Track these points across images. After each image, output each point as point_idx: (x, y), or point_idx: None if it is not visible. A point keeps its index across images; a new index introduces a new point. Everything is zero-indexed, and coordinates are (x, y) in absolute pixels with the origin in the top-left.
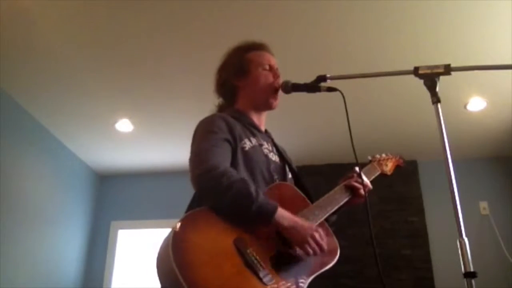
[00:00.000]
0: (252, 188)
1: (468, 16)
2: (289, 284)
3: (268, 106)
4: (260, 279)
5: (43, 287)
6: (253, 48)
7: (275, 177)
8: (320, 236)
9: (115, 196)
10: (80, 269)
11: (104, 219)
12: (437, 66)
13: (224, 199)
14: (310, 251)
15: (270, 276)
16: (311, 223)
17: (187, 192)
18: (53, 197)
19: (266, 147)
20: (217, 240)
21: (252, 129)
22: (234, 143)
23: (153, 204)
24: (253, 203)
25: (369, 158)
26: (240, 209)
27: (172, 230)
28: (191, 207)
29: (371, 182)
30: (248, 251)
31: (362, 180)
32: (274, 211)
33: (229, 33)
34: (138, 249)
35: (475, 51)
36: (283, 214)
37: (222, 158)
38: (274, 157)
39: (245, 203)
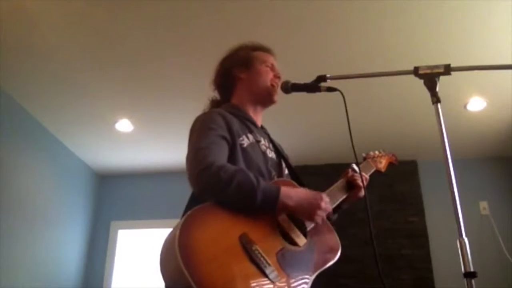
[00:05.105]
0: (252, 176)
1: (468, 16)
2: (294, 280)
3: (269, 99)
4: (266, 276)
5: (43, 287)
6: (260, 49)
7: (273, 173)
8: (325, 201)
9: (115, 196)
10: (80, 269)
11: (104, 219)
12: (437, 66)
13: (227, 192)
14: (320, 221)
15: (276, 273)
16: (315, 193)
17: (187, 192)
18: (53, 197)
19: (263, 143)
20: (223, 237)
21: (249, 125)
22: (232, 140)
23: (153, 204)
24: (256, 190)
25: (363, 155)
26: (244, 198)
27: (178, 226)
28: (189, 207)
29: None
30: (254, 248)
31: (361, 175)
32: (278, 192)
33: (229, 33)
34: (138, 249)
35: (475, 51)
36: (287, 194)
37: (219, 155)
38: (271, 154)
39: (248, 192)
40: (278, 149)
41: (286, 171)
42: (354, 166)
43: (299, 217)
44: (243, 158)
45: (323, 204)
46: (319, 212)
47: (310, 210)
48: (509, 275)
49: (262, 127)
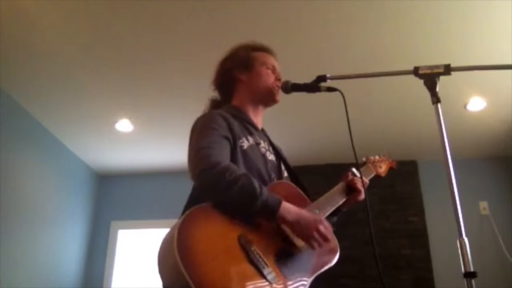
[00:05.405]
0: (256, 183)
1: (468, 16)
2: (292, 282)
3: (271, 99)
4: (264, 277)
5: (42, 287)
6: (260, 49)
7: (273, 176)
8: (325, 227)
9: (115, 196)
10: (80, 269)
11: (104, 219)
12: (437, 66)
13: (229, 194)
14: (315, 245)
15: (273, 274)
16: (315, 215)
17: (187, 192)
18: (53, 197)
19: (263, 146)
20: (222, 237)
21: (249, 127)
22: (233, 141)
23: (153, 204)
24: (257, 198)
25: (363, 159)
26: (244, 204)
27: (176, 226)
28: (188, 207)
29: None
30: (252, 248)
31: (362, 179)
32: (278, 206)
33: (229, 33)
34: (138, 249)
35: (475, 51)
36: (287, 208)
37: (222, 154)
38: (271, 156)
39: (249, 198)
40: (278, 152)
41: (286, 174)
42: (354, 170)
43: (296, 234)
44: (243, 160)
45: (321, 228)
46: (316, 235)
47: (306, 230)
48: (509, 275)
49: (262, 129)
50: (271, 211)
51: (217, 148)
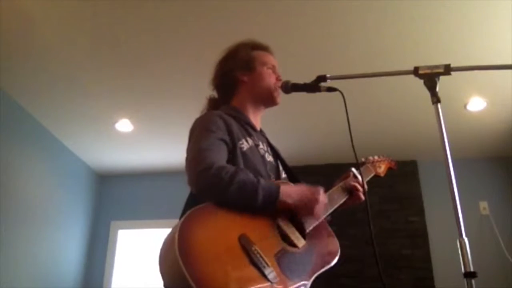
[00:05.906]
0: (251, 175)
1: (468, 16)
2: (292, 282)
3: (272, 101)
4: (265, 277)
5: (43, 287)
6: (259, 47)
7: (272, 177)
8: (322, 195)
9: (115, 196)
10: (80, 269)
11: (104, 219)
12: (437, 66)
13: (229, 191)
14: (321, 215)
15: (274, 273)
16: (312, 189)
17: (187, 192)
18: (53, 197)
19: (262, 147)
20: (222, 237)
21: (248, 129)
22: (232, 143)
23: (153, 204)
24: (258, 189)
25: (363, 159)
26: (246, 198)
27: (177, 226)
28: (187, 207)
29: (366, 183)
30: (253, 248)
31: (363, 181)
32: (277, 191)
33: (229, 33)
34: (138, 249)
35: (475, 51)
36: (287, 192)
37: (219, 156)
38: (269, 157)
39: (250, 191)
40: (277, 153)
41: (284, 175)
42: (354, 170)
43: (300, 213)
44: (243, 161)
45: (320, 198)
46: (317, 206)
47: (309, 207)
48: (509, 275)
49: (261, 130)
50: (272, 198)
51: (214, 151)
